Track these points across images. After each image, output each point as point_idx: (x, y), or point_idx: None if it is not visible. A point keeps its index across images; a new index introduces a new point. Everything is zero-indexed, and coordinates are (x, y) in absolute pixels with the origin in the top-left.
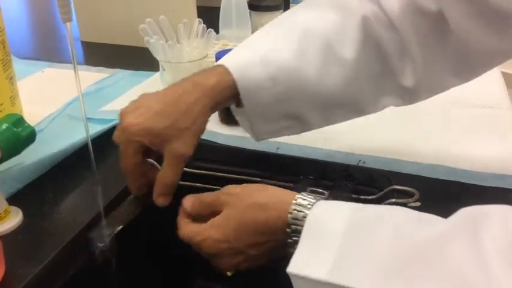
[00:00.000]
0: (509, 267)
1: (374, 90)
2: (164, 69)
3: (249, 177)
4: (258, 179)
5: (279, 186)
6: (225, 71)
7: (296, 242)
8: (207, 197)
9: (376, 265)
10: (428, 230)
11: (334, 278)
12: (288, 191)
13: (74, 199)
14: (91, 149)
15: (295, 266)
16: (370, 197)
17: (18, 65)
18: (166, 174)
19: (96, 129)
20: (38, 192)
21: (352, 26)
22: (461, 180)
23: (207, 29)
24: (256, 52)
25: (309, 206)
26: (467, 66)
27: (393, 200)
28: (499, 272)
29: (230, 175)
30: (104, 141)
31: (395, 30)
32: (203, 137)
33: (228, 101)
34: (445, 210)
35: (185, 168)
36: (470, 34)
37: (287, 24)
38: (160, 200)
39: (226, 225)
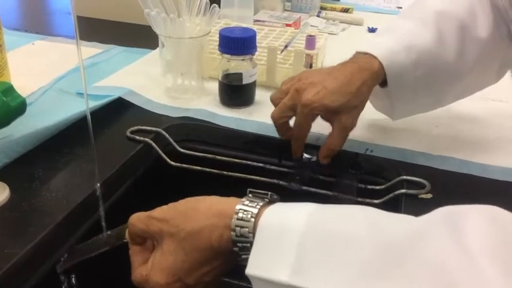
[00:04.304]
0: (498, 265)
1: (503, 62)
2: (164, 45)
3: (249, 162)
4: (260, 164)
5: (280, 172)
6: (374, 59)
7: (247, 259)
8: (138, 224)
9: (350, 264)
10: (405, 225)
11: (296, 280)
12: (228, 200)
13: (65, 176)
14: (90, 125)
15: (254, 268)
16: (378, 187)
17: (8, 36)
18: (334, 141)
19: (90, 104)
20: (27, 168)
21: (483, 6)
22: (474, 173)
23: (211, 4)
24: (397, 41)
25: (252, 219)
26: None
27: (403, 190)
28: (486, 268)
29: (230, 159)
30: (97, 118)
31: None
32: (202, 117)
33: (381, 83)
34: (457, 203)
35: (182, 150)
36: None
37: (420, 9)
38: (325, 160)
39: (171, 264)
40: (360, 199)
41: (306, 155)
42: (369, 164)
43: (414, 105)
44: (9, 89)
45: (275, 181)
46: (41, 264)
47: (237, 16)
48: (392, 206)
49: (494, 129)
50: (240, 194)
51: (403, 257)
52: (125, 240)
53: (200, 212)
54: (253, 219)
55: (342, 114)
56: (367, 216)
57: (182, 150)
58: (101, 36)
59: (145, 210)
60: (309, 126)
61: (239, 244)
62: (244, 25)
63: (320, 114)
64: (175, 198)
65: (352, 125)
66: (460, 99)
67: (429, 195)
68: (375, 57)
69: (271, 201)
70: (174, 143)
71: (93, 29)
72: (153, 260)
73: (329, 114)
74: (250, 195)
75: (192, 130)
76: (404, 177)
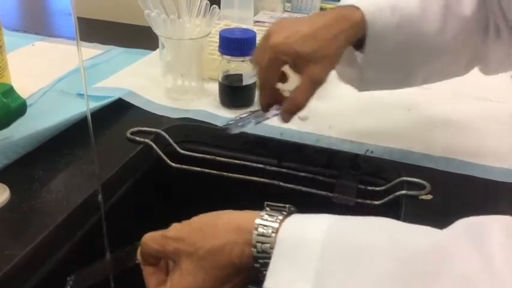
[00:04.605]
0: None
1: (486, 44)
2: (164, 47)
3: (252, 164)
4: (260, 166)
5: (281, 174)
6: (364, 11)
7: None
8: (152, 244)
9: (371, 278)
10: (427, 238)
11: None
12: (246, 214)
13: (65, 177)
14: (91, 126)
15: (273, 283)
16: (378, 188)
17: (8, 37)
18: (299, 94)
19: (90, 105)
20: (27, 169)
21: None
22: (474, 174)
23: (211, 5)
24: None
25: (273, 234)
26: None
27: (403, 191)
28: (509, 282)
29: (229, 160)
30: (97, 119)
31: None
32: (202, 118)
33: (356, 40)
34: (458, 204)
35: (182, 151)
36: None
37: None
38: (285, 116)
39: (191, 284)
40: (360, 200)
41: (273, 111)
42: (369, 165)
43: (384, 77)
44: (10, 90)
45: (275, 182)
46: (41, 265)
47: (237, 17)
48: (393, 207)
49: (495, 130)
50: (240, 194)
51: (426, 271)
52: (137, 262)
53: (218, 229)
54: (274, 235)
55: (312, 63)
56: (387, 228)
57: (182, 151)
58: (101, 37)
59: (146, 211)
60: (276, 73)
61: (260, 260)
62: (244, 26)
63: (289, 62)
64: (175, 199)
65: (322, 78)
66: (428, 83)
67: (429, 196)
68: (359, 9)
69: (289, 214)
70: (174, 144)
71: (93, 30)
72: (172, 281)
73: (299, 62)
74: (267, 208)
75: (192, 131)
76: (405, 178)
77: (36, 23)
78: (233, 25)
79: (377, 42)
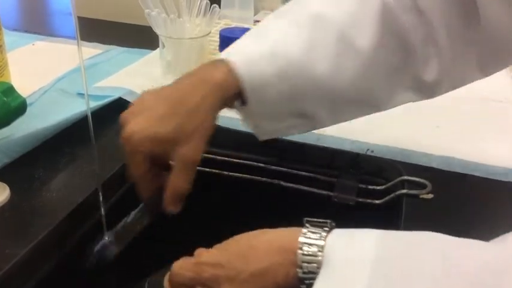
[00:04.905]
0: None
1: (391, 85)
2: (164, 46)
3: (253, 163)
4: (261, 165)
5: (282, 173)
6: (231, 65)
7: None
8: (185, 272)
9: None
10: (483, 257)
11: None
12: (285, 232)
13: (66, 177)
14: (91, 126)
15: None
16: (378, 187)
17: (8, 37)
18: (177, 181)
19: (90, 105)
20: (28, 168)
21: (370, 12)
22: (474, 174)
23: (211, 5)
24: (263, 44)
25: (319, 253)
26: (493, 59)
27: (404, 190)
28: None
29: (230, 159)
30: (97, 118)
31: (420, 14)
32: None
33: (233, 100)
34: (458, 203)
35: None
36: (501, 23)
37: (298, 10)
38: (171, 208)
39: None
40: (360, 199)
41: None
42: (370, 164)
43: (282, 125)
44: (10, 89)
45: (275, 181)
46: (41, 264)
47: (237, 17)
48: (393, 206)
49: (495, 130)
50: (241, 193)
51: None
52: None
53: (259, 251)
54: (320, 253)
55: (181, 144)
56: (438, 246)
57: None
58: (101, 36)
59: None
60: (144, 166)
61: (306, 281)
62: (244, 26)
63: (153, 150)
64: None
65: (196, 157)
66: (342, 121)
67: (430, 196)
68: (226, 65)
69: (331, 229)
70: None
71: (93, 30)
72: None
73: (164, 148)
74: (307, 224)
75: None
76: (405, 177)
77: (37, 22)
78: (233, 24)
79: (256, 95)
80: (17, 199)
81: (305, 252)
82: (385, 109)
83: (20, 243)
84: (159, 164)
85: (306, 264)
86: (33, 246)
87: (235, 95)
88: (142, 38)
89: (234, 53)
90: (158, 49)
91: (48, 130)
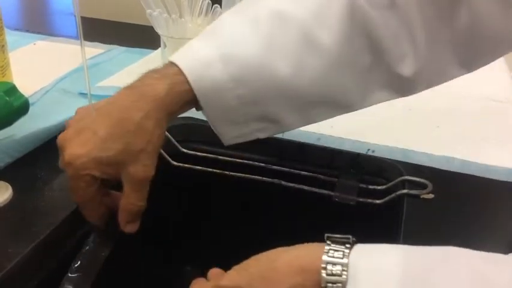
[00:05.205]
0: None
1: (362, 84)
2: (165, 46)
3: (253, 163)
4: (262, 164)
5: (282, 173)
6: (179, 72)
7: None
8: None
9: None
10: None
11: None
12: (305, 251)
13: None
14: None
15: None
16: (379, 187)
17: (9, 36)
18: (130, 201)
19: None
20: (30, 168)
21: (335, 8)
22: (475, 174)
23: (212, 5)
24: (215, 47)
25: (344, 273)
26: (474, 54)
27: (405, 190)
28: None
29: (231, 159)
30: None
31: (395, 9)
32: (198, 116)
33: (187, 106)
34: (459, 203)
35: (184, 150)
36: (484, 15)
37: (256, 7)
38: (128, 228)
39: None
40: (361, 199)
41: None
42: (370, 164)
43: (246, 129)
44: (12, 89)
45: (276, 181)
46: (44, 263)
47: None
48: (394, 206)
49: (496, 130)
50: (242, 193)
51: None
52: None
53: (280, 272)
54: (345, 273)
55: (129, 164)
56: (466, 262)
57: (184, 150)
58: (103, 36)
59: (147, 209)
60: (88, 190)
61: None
62: None
63: (97, 174)
64: (176, 198)
65: (147, 175)
66: (313, 123)
67: (431, 196)
68: (176, 72)
69: (352, 245)
70: (176, 143)
71: (95, 29)
72: None
73: (111, 170)
74: (328, 241)
75: (194, 130)
76: (406, 177)
77: (38, 22)
78: None
79: (211, 101)
80: (19, 199)
81: (329, 272)
82: (359, 108)
83: (22, 243)
84: (106, 183)
85: (330, 285)
86: (35, 246)
87: (187, 102)
88: (143, 37)
89: (183, 58)
90: (160, 49)
91: (50, 130)
